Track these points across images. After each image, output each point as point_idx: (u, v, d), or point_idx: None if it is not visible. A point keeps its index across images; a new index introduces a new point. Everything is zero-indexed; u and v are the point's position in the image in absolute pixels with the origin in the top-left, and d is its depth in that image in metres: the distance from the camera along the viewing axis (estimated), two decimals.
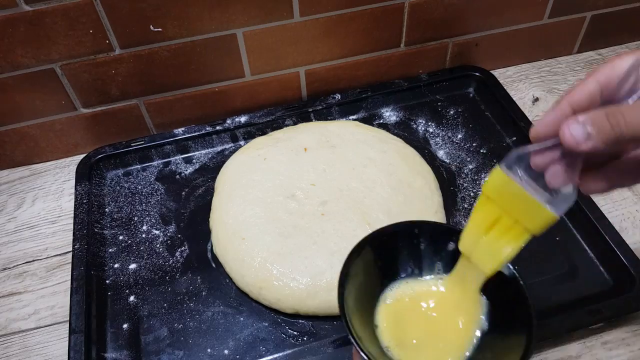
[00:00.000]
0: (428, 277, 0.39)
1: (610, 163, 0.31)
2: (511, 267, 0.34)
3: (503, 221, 0.33)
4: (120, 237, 0.55)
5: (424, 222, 0.39)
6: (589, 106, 0.29)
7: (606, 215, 0.51)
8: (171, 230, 0.55)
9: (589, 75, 0.30)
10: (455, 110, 0.66)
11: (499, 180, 0.32)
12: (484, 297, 0.36)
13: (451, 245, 0.37)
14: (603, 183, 0.31)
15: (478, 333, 0.36)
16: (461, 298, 0.37)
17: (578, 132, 0.27)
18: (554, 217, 0.30)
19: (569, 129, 0.28)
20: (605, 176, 0.31)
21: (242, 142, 0.63)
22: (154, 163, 0.62)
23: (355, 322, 0.34)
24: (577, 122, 0.28)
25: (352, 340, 0.32)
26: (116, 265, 0.52)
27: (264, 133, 0.63)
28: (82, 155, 0.61)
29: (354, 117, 0.65)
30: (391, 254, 0.39)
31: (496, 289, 0.35)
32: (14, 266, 0.55)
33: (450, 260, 0.38)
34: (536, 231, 0.32)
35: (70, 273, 0.50)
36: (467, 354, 0.35)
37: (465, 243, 0.35)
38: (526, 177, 0.31)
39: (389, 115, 0.65)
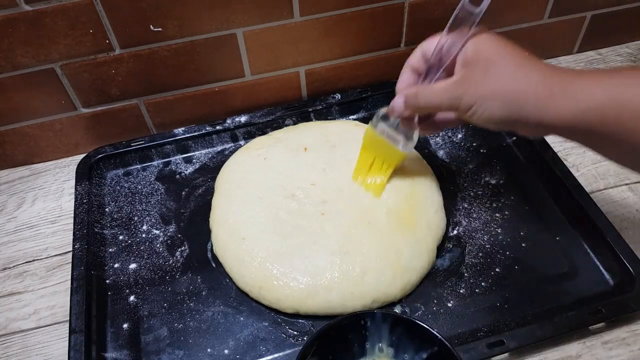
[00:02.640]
0: (372, 357, 0.42)
1: (430, 118, 0.48)
2: (449, 344, 0.38)
3: (376, 161, 0.52)
4: (121, 237, 0.55)
5: (369, 311, 0.42)
6: (420, 66, 0.44)
7: (606, 215, 0.51)
8: (171, 230, 0.55)
9: (419, 46, 0.44)
10: None
11: (368, 134, 0.51)
12: None
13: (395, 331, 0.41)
14: (429, 129, 0.48)
15: None
16: None
17: (399, 104, 0.44)
18: (403, 153, 0.50)
19: (395, 100, 0.44)
20: (429, 125, 0.48)
21: (242, 142, 0.63)
22: (154, 163, 0.62)
23: None
24: (400, 97, 0.44)
25: None
26: (116, 265, 0.52)
27: (264, 133, 0.63)
28: (82, 155, 0.61)
29: (354, 117, 0.65)
30: (339, 344, 0.41)
31: None
32: (14, 266, 0.55)
33: (394, 342, 0.41)
34: (395, 164, 0.52)
35: (70, 273, 0.50)
36: None
37: (356, 178, 0.54)
38: (389, 129, 0.49)
39: None
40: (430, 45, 0.43)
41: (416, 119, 0.47)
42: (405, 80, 0.45)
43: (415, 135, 0.48)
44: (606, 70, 0.38)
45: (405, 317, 0.41)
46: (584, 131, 0.36)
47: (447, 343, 0.38)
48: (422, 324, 0.39)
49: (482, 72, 0.38)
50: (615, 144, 0.36)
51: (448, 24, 0.41)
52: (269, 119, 0.63)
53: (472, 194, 0.56)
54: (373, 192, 0.52)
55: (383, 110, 0.48)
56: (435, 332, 0.39)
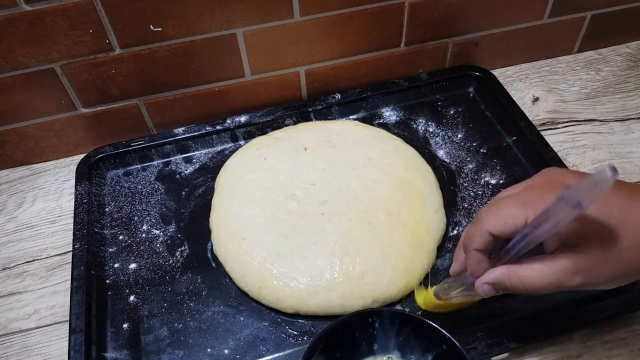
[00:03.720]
0: (381, 357, 0.42)
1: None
2: (456, 342, 0.38)
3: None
4: (120, 237, 0.55)
5: (377, 309, 0.42)
6: (489, 247, 0.36)
7: None
8: (171, 229, 0.55)
9: (483, 223, 0.35)
10: (455, 109, 0.66)
11: (432, 304, 0.45)
12: None
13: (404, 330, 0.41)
14: None
15: None
16: None
17: (489, 291, 0.37)
18: (480, 296, 0.40)
19: (481, 288, 0.37)
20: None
21: (242, 142, 0.63)
22: (154, 163, 0.62)
23: None
24: (487, 284, 0.37)
25: None
26: (116, 265, 0.52)
27: (264, 133, 0.63)
28: (82, 155, 0.61)
29: (354, 116, 0.65)
30: (345, 343, 0.41)
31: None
32: (14, 266, 0.55)
33: (402, 342, 0.41)
34: (472, 302, 0.44)
35: (70, 273, 0.50)
36: None
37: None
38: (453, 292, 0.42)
39: (389, 114, 0.65)
40: (501, 229, 0.34)
41: None
42: (477, 265, 0.37)
43: None
44: None
45: (414, 315, 0.41)
46: None
47: (455, 342, 0.38)
48: (431, 322, 0.39)
49: (601, 256, 0.32)
50: None
51: (538, 219, 0.32)
52: (269, 118, 0.63)
53: (472, 193, 0.56)
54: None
55: (445, 286, 0.43)
56: (444, 331, 0.39)
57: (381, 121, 0.65)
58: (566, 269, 0.33)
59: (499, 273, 0.36)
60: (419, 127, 0.64)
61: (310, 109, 0.64)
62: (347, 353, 0.41)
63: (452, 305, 0.44)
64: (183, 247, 0.53)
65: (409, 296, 0.48)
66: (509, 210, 0.34)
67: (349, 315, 0.41)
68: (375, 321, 0.41)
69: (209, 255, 0.52)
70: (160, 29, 0.56)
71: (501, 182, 0.57)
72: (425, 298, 0.46)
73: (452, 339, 0.38)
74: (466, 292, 0.41)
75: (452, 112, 0.65)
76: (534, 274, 0.34)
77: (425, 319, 0.40)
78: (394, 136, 0.61)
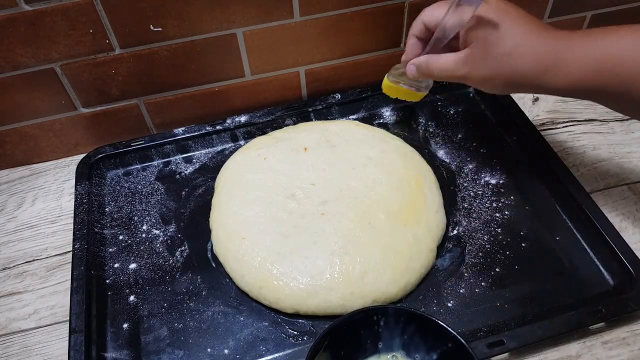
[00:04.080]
0: (385, 355, 0.42)
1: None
2: (462, 339, 0.38)
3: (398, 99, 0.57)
4: (120, 237, 0.55)
5: (382, 307, 0.42)
6: (423, 35, 0.48)
7: (606, 214, 0.51)
8: (171, 229, 0.55)
9: (420, 15, 0.47)
10: (455, 109, 0.66)
11: (386, 84, 0.56)
12: None
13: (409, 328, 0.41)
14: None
15: None
16: None
17: (412, 71, 0.50)
18: (422, 94, 0.55)
19: (409, 67, 0.50)
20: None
21: (242, 142, 0.63)
22: (154, 163, 0.62)
23: None
24: (412, 65, 0.49)
25: None
26: (116, 265, 0.52)
27: (264, 133, 0.63)
28: (82, 155, 0.61)
29: (354, 116, 0.65)
30: (350, 340, 0.41)
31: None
32: (14, 266, 0.55)
33: (407, 340, 0.41)
34: (416, 100, 0.57)
35: (70, 273, 0.50)
36: None
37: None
38: (404, 77, 0.53)
39: (389, 114, 0.65)
40: (431, 16, 0.46)
41: None
42: (411, 47, 0.49)
43: (431, 82, 0.54)
44: (590, 34, 0.41)
45: (419, 312, 0.41)
46: (579, 94, 0.43)
47: (462, 340, 0.38)
48: (436, 320, 0.39)
49: (483, 52, 0.42)
50: (609, 101, 0.43)
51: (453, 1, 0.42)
52: (268, 118, 0.63)
53: (472, 193, 0.56)
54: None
55: (398, 66, 0.54)
56: (450, 329, 0.38)
57: (381, 121, 0.65)
58: (459, 59, 0.44)
59: (421, 58, 0.48)
60: (419, 127, 0.64)
61: (310, 109, 0.64)
62: (352, 351, 0.41)
63: (401, 92, 0.55)
64: (183, 247, 0.53)
65: (409, 296, 0.48)
66: (438, 6, 0.46)
67: (353, 312, 0.40)
68: (380, 319, 0.40)
69: (209, 255, 0.52)
70: (160, 29, 0.56)
71: (501, 181, 0.57)
72: (384, 81, 0.56)
73: (458, 337, 0.38)
74: (405, 78, 0.52)
75: (452, 112, 0.65)
76: (440, 61, 0.46)
77: (430, 316, 0.39)
78: (394, 136, 0.61)
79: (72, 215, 0.55)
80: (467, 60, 0.44)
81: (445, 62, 0.45)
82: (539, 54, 0.41)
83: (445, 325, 0.39)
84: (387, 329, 0.41)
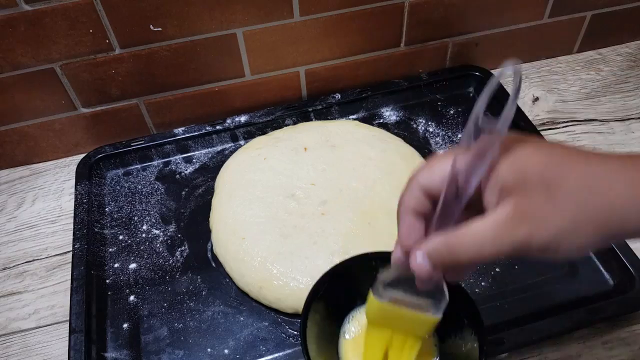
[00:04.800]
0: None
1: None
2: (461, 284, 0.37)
3: (395, 338, 0.36)
4: (120, 237, 0.55)
5: (380, 253, 0.40)
6: (423, 209, 0.31)
7: None
8: (171, 229, 0.55)
9: (413, 179, 0.31)
10: (455, 109, 0.66)
11: (375, 307, 0.35)
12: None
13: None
14: (460, 275, 0.33)
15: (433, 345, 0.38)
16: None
17: (424, 267, 0.30)
18: (436, 319, 0.33)
19: (416, 261, 0.30)
20: (457, 271, 0.33)
21: (242, 142, 0.63)
22: (154, 163, 0.62)
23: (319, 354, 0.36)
24: (422, 253, 0.30)
25: None
26: (116, 265, 0.52)
27: (264, 133, 0.63)
28: (82, 155, 0.61)
29: (354, 116, 0.65)
30: (348, 286, 0.40)
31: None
32: (14, 266, 0.55)
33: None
34: (426, 335, 0.35)
35: (70, 273, 0.50)
36: None
37: None
38: (399, 292, 0.34)
39: (389, 114, 0.65)
40: (431, 179, 0.30)
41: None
42: (409, 230, 0.31)
43: (446, 291, 0.33)
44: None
45: None
46: None
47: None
48: None
49: (546, 197, 0.27)
50: None
51: (462, 142, 0.29)
52: (268, 118, 0.63)
53: None
54: None
55: (387, 275, 0.34)
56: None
57: (381, 121, 0.65)
58: (509, 217, 0.27)
59: (432, 241, 0.30)
60: (419, 127, 0.64)
61: (310, 109, 0.64)
62: (349, 299, 0.40)
63: (398, 321, 0.35)
64: (183, 247, 0.53)
65: None
66: (438, 160, 0.30)
67: (350, 258, 0.39)
68: (378, 264, 0.37)
69: (209, 255, 0.52)
70: (160, 29, 0.56)
71: None
72: (369, 301, 0.35)
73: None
74: (401, 292, 0.34)
75: (452, 112, 0.65)
76: (469, 234, 0.28)
77: None
78: (394, 136, 0.61)
79: (72, 215, 0.55)
80: (521, 215, 0.27)
81: (479, 233, 0.28)
82: (631, 172, 0.26)
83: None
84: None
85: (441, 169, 0.29)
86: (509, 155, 0.28)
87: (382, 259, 0.38)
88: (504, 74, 0.27)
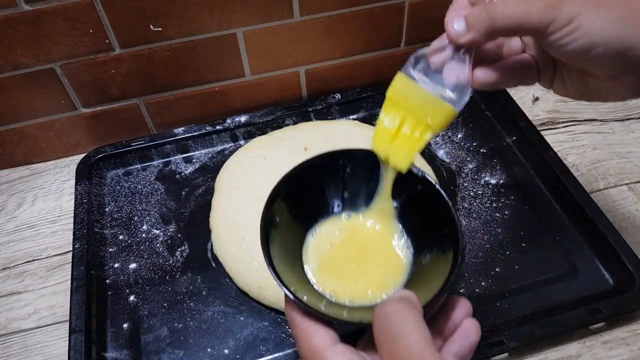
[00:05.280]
0: (351, 212, 0.38)
1: (497, 62, 0.33)
2: (436, 185, 0.34)
3: (409, 121, 0.34)
4: (121, 237, 0.55)
5: (348, 150, 0.36)
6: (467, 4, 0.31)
7: (606, 214, 0.51)
8: (171, 229, 0.55)
9: None
10: None
11: (401, 83, 0.34)
12: (400, 223, 0.36)
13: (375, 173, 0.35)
14: (490, 77, 0.32)
15: (407, 260, 0.35)
16: (384, 228, 0.36)
17: (460, 26, 0.30)
18: (454, 111, 0.33)
19: (451, 23, 0.30)
20: (493, 72, 0.32)
21: (242, 142, 0.63)
22: (154, 163, 0.62)
23: (282, 268, 0.33)
24: (459, 17, 0.30)
25: (280, 285, 0.31)
26: (116, 265, 0.52)
27: (264, 133, 0.63)
28: (82, 155, 0.61)
29: (354, 116, 0.65)
30: (313, 190, 0.36)
31: (422, 208, 0.35)
32: (14, 266, 0.55)
33: (370, 188, 0.36)
34: (439, 126, 0.34)
35: (70, 273, 0.50)
36: (403, 279, 0.34)
37: (378, 145, 0.36)
38: (426, 78, 0.33)
39: None
40: None
41: (469, 62, 0.32)
42: (459, 6, 0.31)
43: (469, 86, 0.33)
44: None
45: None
46: None
47: (431, 180, 0.34)
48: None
49: None
50: None
51: None
52: (268, 118, 0.63)
53: (472, 193, 0.56)
54: (405, 161, 0.35)
55: (421, 52, 0.33)
56: (418, 170, 0.34)
57: None
58: None
59: (473, 8, 0.30)
60: None
61: (310, 109, 0.64)
62: (315, 201, 0.36)
63: (417, 103, 0.34)
64: (183, 247, 0.53)
65: None
66: None
67: (317, 156, 0.35)
68: (346, 164, 0.36)
69: (209, 255, 0.52)
70: (160, 29, 0.56)
71: (501, 181, 0.57)
72: (397, 77, 0.34)
73: (428, 178, 0.33)
74: (435, 79, 0.33)
75: None
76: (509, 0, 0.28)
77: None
78: None
79: (72, 215, 0.55)
80: None
81: None
82: None
83: (413, 166, 0.34)
84: (352, 176, 0.36)
85: None
86: None
87: (350, 156, 0.35)
88: None
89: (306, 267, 0.36)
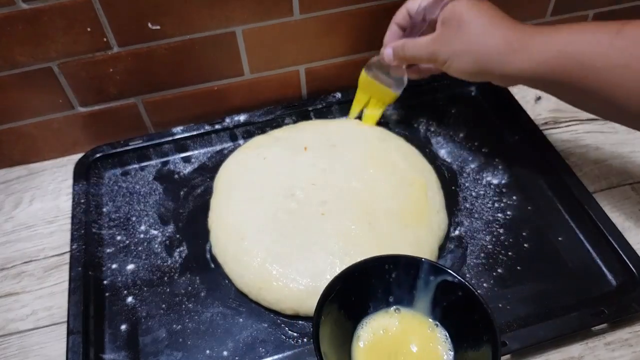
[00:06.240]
0: (392, 308, 0.42)
1: (415, 66, 0.56)
2: (472, 287, 0.39)
3: (371, 100, 0.60)
4: (118, 237, 0.54)
5: (394, 256, 0.41)
6: (405, 23, 0.53)
7: (609, 215, 0.51)
8: (169, 230, 0.55)
9: (404, 4, 0.52)
10: (456, 109, 0.65)
11: (363, 77, 0.59)
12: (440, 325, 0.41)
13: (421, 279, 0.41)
14: (415, 74, 0.56)
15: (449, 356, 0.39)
16: (421, 329, 0.41)
17: (389, 55, 0.53)
18: (396, 93, 0.58)
19: (385, 51, 0.54)
20: (414, 71, 0.56)
21: (241, 141, 0.63)
22: (152, 162, 0.61)
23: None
24: (388, 49, 0.53)
25: None
26: (114, 266, 0.52)
27: (263, 132, 0.62)
28: (80, 155, 0.61)
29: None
30: (361, 290, 0.41)
31: (461, 310, 0.39)
32: (11, 266, 0.54)
33: (413, 293, 0.41)
34: (389, 102, 0.59)
35: (68, 273, 0.49)
36: None
37: (353, 113, 0.62)
38: (381, 74, 0.57)
39: (390, 114, 0.65)
40: (414, 4, 0.50)
41: (404, 65, 0.55)
42: (391, 34, 0.54)
43: (405, 79, 0.56)
44: (557, 27, 0.44)
45: (433, 262, 0.40)
46: (541, 81, 0.45)
47: (470, 286, 0.38)
48: (448, 270, 0.39)
49: (455, 31, 0.46)
50: (567, 91, 0.45)
51: None
52: (268, 118, 0.63)
53: (473, 194, 0.56)
54: (369, 122, 0.61)
55: (375, 58, 0.56)
56: (459, 278, 0.38)
57: (382, 120, 0.64)
58: (432, 38, 0.48)
59: (398, 41, 0.52)
60: (420, 127, 0.63)
61: (310, 108, 0.64)
62: (362, 302, 0.40)
63: (375, 91, 0.58)
64: (181, 248, 0.53)
65: None
66: None
67: (364, 260, 0.40)
68: (392, 269, 0.40)
69: (208, 256, 0.52)
70: (158, 27, 0.56)
71: (503, 181, 0.57)
72: (362, 74, 0.58)
73: (467, 284, 0.38)
74: (380, 73, 0.56)
75: (453, 111, 0.65)
76: (416, 42, 0.50)
77: (443, 267, 0.39)
78: (395, 135, 0.60)
79: (70, 215, 0.55)
80: (439, 38, 0.47)
81: (419, 42, 0.49)
82: (507, 36, 0.44)
83: (455, 275, 0.39)
84: (396, 281, 0.40)
85: (420, 1, 0.50)
86: (454, 2, 0.46)
87: (395, 262, 0.40)
88: None
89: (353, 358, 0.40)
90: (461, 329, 0.39)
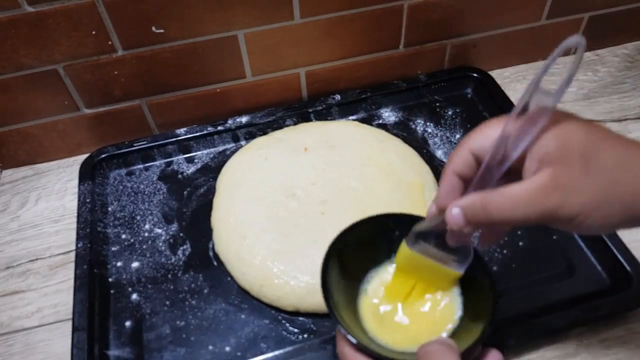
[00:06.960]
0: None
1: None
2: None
3: (417, 286, 0.39)
4: (123, 236, 0.55)
5: (397, 214, 0.40)
6: (469, 172, 0.33)
7: None
8: (173, 229, 0.55)
9: (464, 142, 0.33)
10: (453, 110, 0.66)
11: (405, 255, 0.38)
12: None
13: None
14: (488, 240, 0.38)
15: (457, 308, 0.38)
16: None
17: (458, 219, 0.32)
18: (458, 274, 0.37)
19: (451, 213, 0.32)
20: (489, 235, 0.37)
21: (243, 142, 0.64)
22: (156, 163, 0.62)
23: (340, 307, 0.36)
24: (457, 208, 0.32)
25: (340, 326, 0.34)
26: (119, 264, 0.53)
27: (264, 133, 0.63)
28: (85, 155, 0.62)
29: (354, 117, 0.66)
30: (365, 245, 0.40)
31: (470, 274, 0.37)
32: (17, 265, 0.55)
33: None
34: (447, 289, 0.38)
35: (73, 271, 0.50)
36: (450, 326, 0.37)
37: (390, 299, 0.40)
38: (430, 246, 0.37)
39: (388, 115, 0.66)
40: (481, 142, 0.32)
41: (478, 231, 0.37)
42: (449, 189, 0.33)
43: (471, 249, 0.37)
44: None
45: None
46: None
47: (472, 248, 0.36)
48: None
49: (582, 170, 0.29)
50: None
51: (516, 110, 0.31)
52: (269, 119, 0.64)
53: None
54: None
55: (420, 227, 0.37)
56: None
57: (380, 122, 0.65)
58: (545, 184, 0.29)
59: (469, 197, 0.31)
60: (418, 128, 0.64)
61: (310, 110, 0.65)
62: (366, 258, 0.40)
63: (425, 271, 0.37)
64: (185, 246, 0.54)
65: None
66: (490, 125, 0.32)
67: (367, 218, 0.39)
68: (395, 227, 0.39)
69: (211, 254, 0.53)
70: (162, 31, 0.56)
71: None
72: (402, 249, 0.38)
73: (469, 246, 0.36)
74: (432, 246, 0.36)
75: (450, 112, 0.66)
76: (505, 196, 0.30)
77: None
78: (393, 136, 0.61)
79: (75, 214, 0.55)
80: (556, 184, 0.29)
81: (512, 196, 0.29)
82: None
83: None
84: (400, 238, 0.38)
85: (491, 133, 0.31)
86: (554, 128, 0.30)
87: (398, 220, 0.39)
88: (567, 45, 0.29)
89: (359, 309, 0.39)
90: (467, 290, 0.38)
